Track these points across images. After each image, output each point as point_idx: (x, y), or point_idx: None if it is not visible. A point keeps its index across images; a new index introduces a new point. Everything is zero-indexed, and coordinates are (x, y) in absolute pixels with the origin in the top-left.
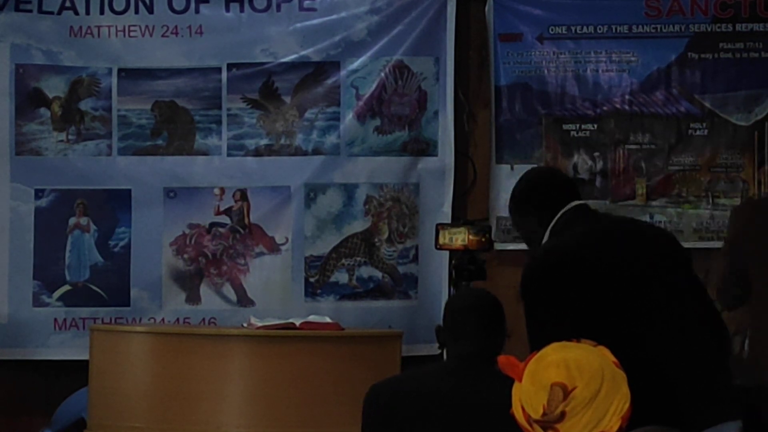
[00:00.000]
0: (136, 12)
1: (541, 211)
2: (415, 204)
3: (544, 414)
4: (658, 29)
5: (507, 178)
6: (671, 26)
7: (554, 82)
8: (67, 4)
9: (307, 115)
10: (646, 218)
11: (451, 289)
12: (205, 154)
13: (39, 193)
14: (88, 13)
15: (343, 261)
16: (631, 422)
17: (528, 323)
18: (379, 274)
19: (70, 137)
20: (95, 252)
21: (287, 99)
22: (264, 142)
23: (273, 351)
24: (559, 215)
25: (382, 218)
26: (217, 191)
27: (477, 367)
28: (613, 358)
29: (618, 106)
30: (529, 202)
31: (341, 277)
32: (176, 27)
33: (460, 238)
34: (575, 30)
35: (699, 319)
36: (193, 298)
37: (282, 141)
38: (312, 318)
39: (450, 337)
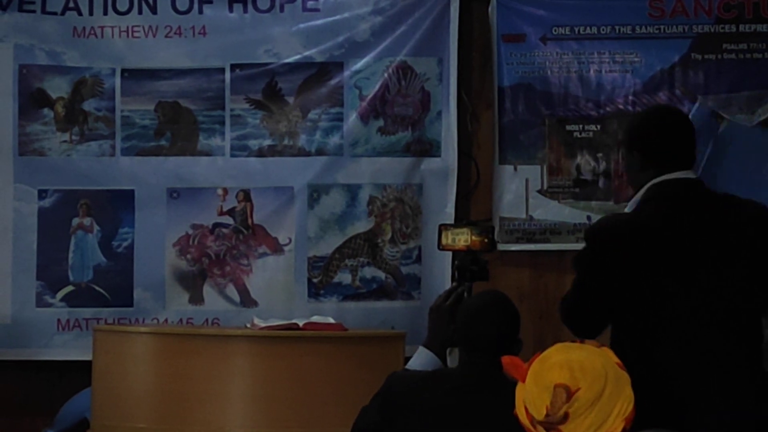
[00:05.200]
0: (140, 12)
1: (647, 159)
2: (418, 204)
3: (548, 415)
4: (662, 30)
5: (510, 179)
6: (674, 27)
7: (557, 83)
8: (71, 4)
9: (310, 115)
10: None
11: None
12: (208, 154)
13: (42, 194)
14: (91, 13)
15: (346, 261)
16: (636, 424)
17: (577, 275)
18: (382, 275)
19: (73, 138)
20: (98, 252)
21: (290, 99)
22: (267, 142)
23: (276, 351)
24: (658, 181)
25: (385, 219)
26: (220, 192)
27: (491, 380)
28: (616, 360)
29: (621, 106)
30: (635, 143)
31: (344, 277)
32: (179, 27)
33: (463, 238)
34: (578, 31)
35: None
36: (197, 298)
37: (285, 141)
38: (315, 318)
39: (464, 344)
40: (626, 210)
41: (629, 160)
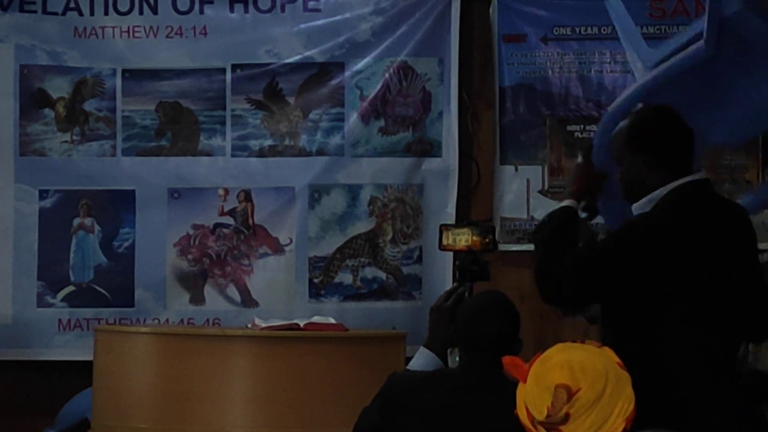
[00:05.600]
0: (141, 13)
1: (657, 161)
2: (419, 205)
3: (548, 415)
4: (663, 30)
5: (511, 179)
6: (675, 27)
7: (558, 83)
8: (72, 4)
9: (311, 115)
10: None
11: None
12: (209, 154)
13: (43, 194)
14: (92, 13)
15: (347, 262)
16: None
17: (598, 250)
18: (382, 275)
19: (74, 138)
20: (99, 253)
21: (291, 100)
22: (268, 142)
23: (277, 352)
24: (680, 183)
25: (386, 219)
26: (221, 192)
27: (491, 381)
28: (617, 360)
29: None
30: (643, 145)
31: (345, 277)
32: (180, 28)
33: (464, 239)
34: (579, 31)
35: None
36: (197, 298)
37: (286, 142)
38: (316, 319)
39: (465, 344)
40: (636, 212)
41: (632, 163)
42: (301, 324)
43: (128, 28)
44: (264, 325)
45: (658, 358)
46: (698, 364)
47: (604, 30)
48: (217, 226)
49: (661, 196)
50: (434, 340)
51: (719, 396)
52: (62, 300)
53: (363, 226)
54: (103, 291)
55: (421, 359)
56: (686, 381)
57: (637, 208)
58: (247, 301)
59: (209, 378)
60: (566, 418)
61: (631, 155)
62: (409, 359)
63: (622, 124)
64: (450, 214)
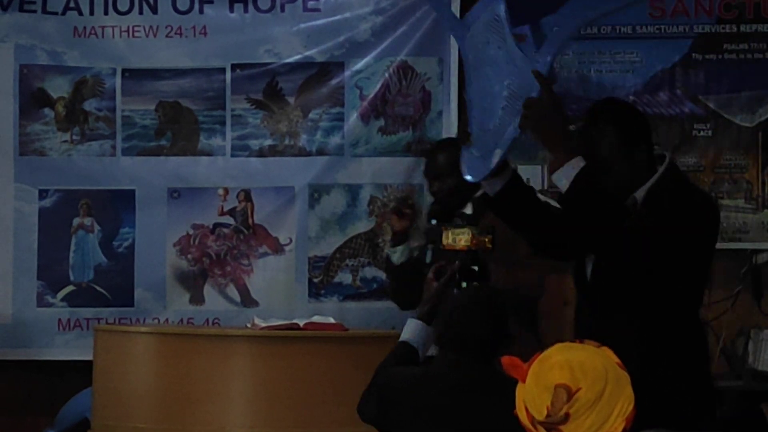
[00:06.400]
0: (140, 12)
1: (650, 147)
2: (419, 205)
3: (548, 415)
4: (662, 30)
5: None
6: (675, 27)
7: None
8: (71, 4)
9: (311, 115)
10: None
11: (455, 290)
12: (209, 154)
13: (43, 194)
14: (92, 13)
15: (347, 261)
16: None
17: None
18: (382, 275)
19: (74, 137)
20: (99, 252)
21: (291, 99)
22: (268, 142)
23: (276, 351)
24: (672, 162)
25: (385, 219)
26: (221, 192)
27: (484, 380)
28: (616, 359)
29: None
30: (647, 135)
31: (345, 277)
32: (180, 27)
33: (464, 239)
34: (579, 30)
35: None
36: (197, 298)
37: (286, 141)
38: (316, 318)
39: (453, 346)
40: (638, 199)
41: (637, 157)
42: (301, 324)
43: (128, 27)
44: (264, 324)
45: (658, 358)
46: (698, 363)
47: (603, 30)
48: (216, 225)
49: (655, 180)
50: (424, 311)
51: (719, 396)
52: (62, 300)
53: (363, 225)
54: (103, 291)
55: (410, 329)
56: (686, 381)
57: (640, 194)
58: (247, 300)
59: (209, 378)
60: (566, 417)
61: (637, 150)
62: None
63: (598, 127)
64: None
